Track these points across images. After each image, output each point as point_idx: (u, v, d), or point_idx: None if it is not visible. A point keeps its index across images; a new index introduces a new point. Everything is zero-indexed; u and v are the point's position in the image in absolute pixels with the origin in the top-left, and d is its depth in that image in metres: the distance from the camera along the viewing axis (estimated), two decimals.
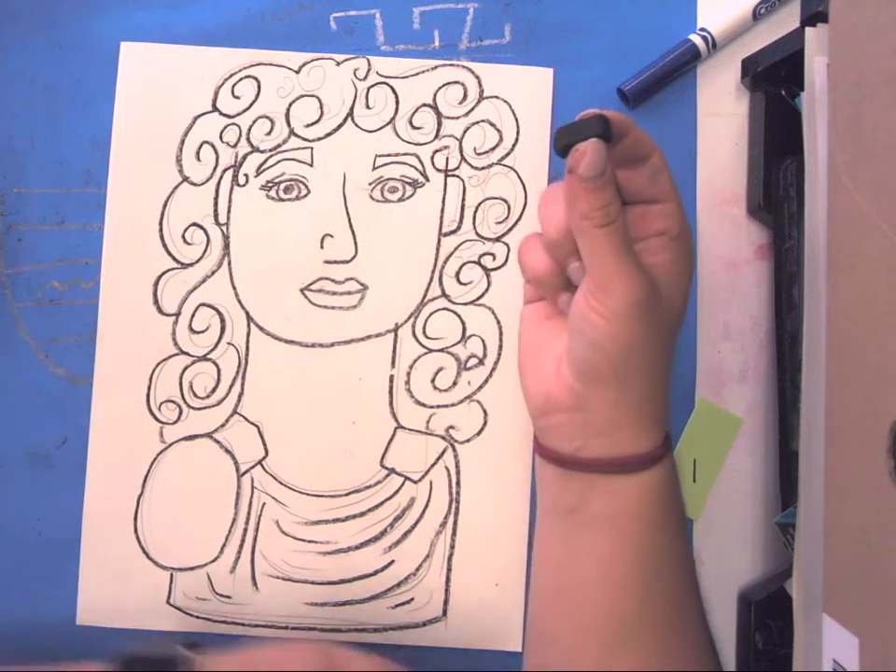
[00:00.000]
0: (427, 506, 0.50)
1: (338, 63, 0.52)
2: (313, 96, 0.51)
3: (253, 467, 0.50)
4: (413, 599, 0.49)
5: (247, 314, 0.50)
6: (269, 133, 0.51)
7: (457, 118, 0.52)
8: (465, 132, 0.52)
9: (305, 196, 0.51)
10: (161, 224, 0.51)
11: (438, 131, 0.51)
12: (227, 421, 0.50)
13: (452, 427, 0.50)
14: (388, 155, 0.51)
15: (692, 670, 0.40)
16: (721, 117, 0.52)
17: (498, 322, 0.50)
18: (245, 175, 0.51)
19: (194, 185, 0.51)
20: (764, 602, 0.47)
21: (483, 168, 0.51)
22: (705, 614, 0.42)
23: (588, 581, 0.40)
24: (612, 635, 0.39)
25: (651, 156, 0.39)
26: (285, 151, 0.51)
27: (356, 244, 0.51)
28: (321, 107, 0.51)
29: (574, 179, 0.37)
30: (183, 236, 0.51)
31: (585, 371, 0.38)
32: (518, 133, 0.51)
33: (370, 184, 0.51)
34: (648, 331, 0.37)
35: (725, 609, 0.49)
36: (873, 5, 0.35)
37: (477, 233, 0.51)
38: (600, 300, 0.37)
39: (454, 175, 0.51)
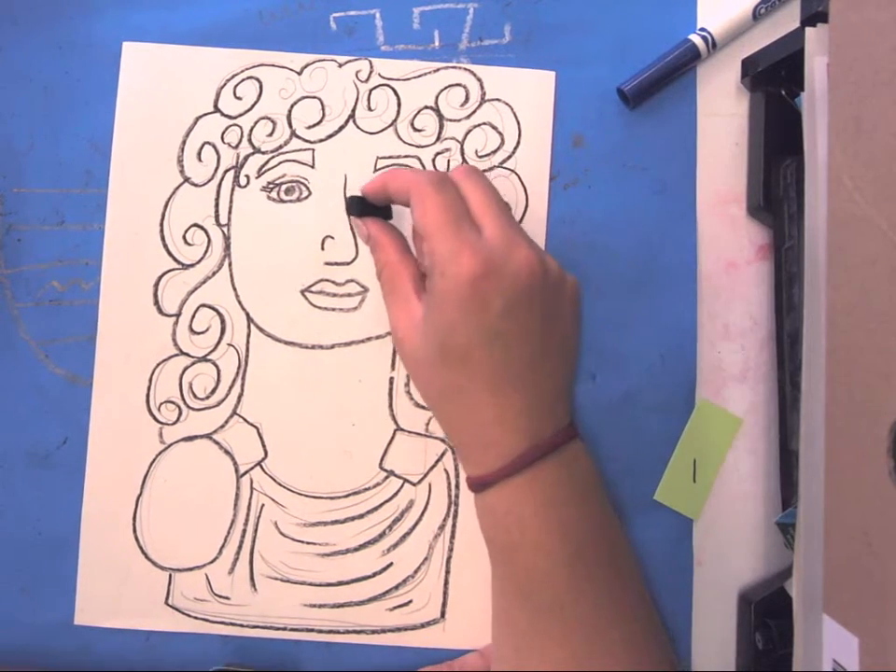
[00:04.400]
0: (425, 508, 0.50)
1: (340, 65, 0.52)
2: (314, 98, 0.52)
3: (252, 468, 0.50)
4: (411, 601, 0.49)
5: (248, 315, 0.50)
6: (270, 135, 0.51)
7: (459, 120, 0.52)
8: (466, 134, 0.52)
9: (306, 198, 0.51)
10: (161, 225, 0.51)
11: (439, 133, 0.51)
12: (226, 422, 0.50)
13: None
14: (390, 157, 0.51)
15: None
16: (721, 117, 0.52)
17: None
18: (247, 177, 0.51)
19: (195, 185, 0.51)
20: (764, 602, 0.47)
21: (484, 171, 0.51)
22: (638, 618, 0.43)
23: (492, 585, 0.44)
24: (518, 640, 0.42)
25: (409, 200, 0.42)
26: (286, 153, 0.51)
27: (356, 245, 0.51)
28: (323, 109, 0.51)
29: None
30: (184, 237, 0.51)
31: None
32: (520, 135, 0.51)
33: None
34: (410, 370, 0.45)
35: (725, 609, 0.49)
36: (873, 5, 0.35)
37: None
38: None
39: None
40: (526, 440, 0.41)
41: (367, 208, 0.46)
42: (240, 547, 0.49)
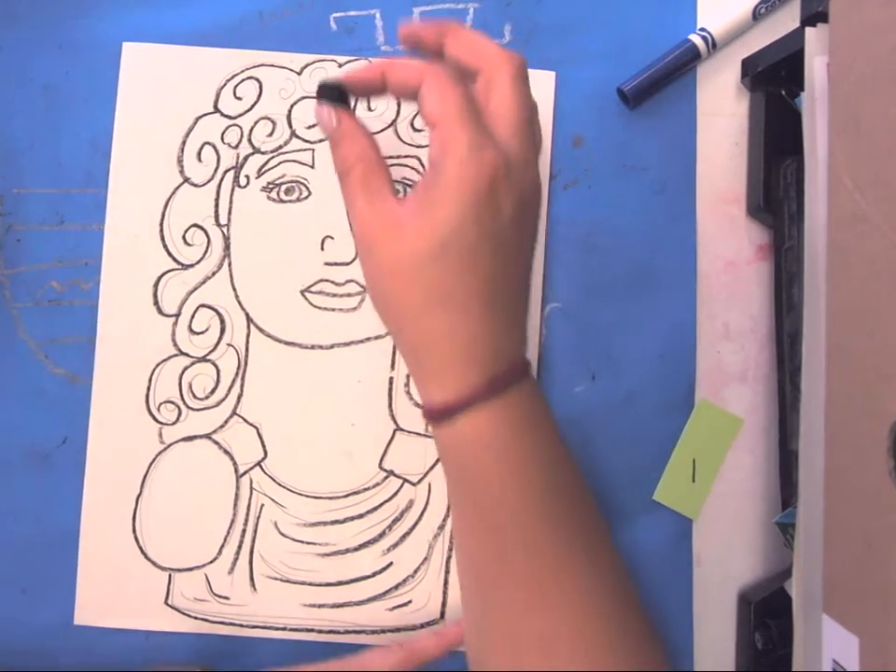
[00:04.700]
0: (425, 508, 0.50)
1: (340, 65, 0.52)
2: (314, 98, 0.51)
3: (252, 468, 0.50)
4: (410, 601, 0.49)
5: (247, 315, 0.50)
6: (270, 135, 0.51)
7: None
8: None
9: (306, 198, 0.51)
10: (161, 225, 0.51)
11: None
12: (226, 422, 0.50)
13: None
14: (389, 157, 0.51)
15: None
16: (721, 117, 0.52)
17: None
18: (247, 177, 0.51)
19: (195, 186, 0.51)
20: (764, 602, 0.47)
21: None
22: (601, 558, 0.41)
23: (455, 526, 0.41)
24: (483, 585, 0.40)
25: (419, 88, 0.38)
26: (286, 153, 0.51)
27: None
28: None
29: None
30: (184, 237, 0.51)
31: None
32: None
33: None
34: (379, 276, 0.38)
35: (725, 609, 0.49)
36: (873, 5, 0.35)
37: None
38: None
39: None
40: (506, 360, 0.38)
41: (340, 98, 0.41)
42: (240, 547, 0.49)
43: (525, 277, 0.41)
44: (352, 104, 0.43)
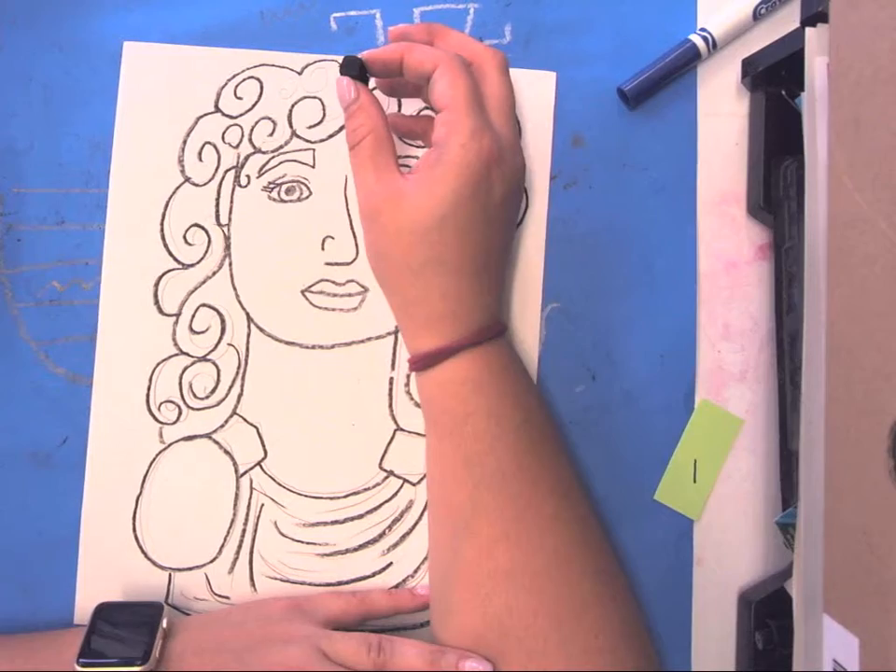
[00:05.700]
0: (425, 508, 0.49)
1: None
2: (315, 98, 0.52)
3: (252, 468, 0.50)
4: None
5: (248, 315, 0.50)
6: (271, 135, 0.51)
7: None
8: None
9: (307, 198, 0.51)
10: (162, 224, 0.51)
11: None
12: (226, 422, 0.50)
13: None
14: None
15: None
16: (722, 117, 0.52)
17: None
18: (247, 176, 0.51)
19: (196, 185, 0.51)
20: (765, 602, 0.47)
21: None
22: (572, 491, 0.45)
23: (430, 477, 0.46)
24: (453, 526, 0.43)
25: (433, 73, 0.43)
26: (287, 153, 0.51)
27: (357, 246, 0.51)
28: (323, 109, 0.52)
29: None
30: (184, 237, 0.51)
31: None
32: (520, 135, 0.51)
33: None
34: (382, 241, 0.43)
35: (725, 609, 0.49)
36: (873, 5, 0.35)
37: None
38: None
39: None
40: (488, 317, 0.44)
41: (360, 75, 0.45)
42: (239, 547, 0.49)
43: (506, 249, 0.47)
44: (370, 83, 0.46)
